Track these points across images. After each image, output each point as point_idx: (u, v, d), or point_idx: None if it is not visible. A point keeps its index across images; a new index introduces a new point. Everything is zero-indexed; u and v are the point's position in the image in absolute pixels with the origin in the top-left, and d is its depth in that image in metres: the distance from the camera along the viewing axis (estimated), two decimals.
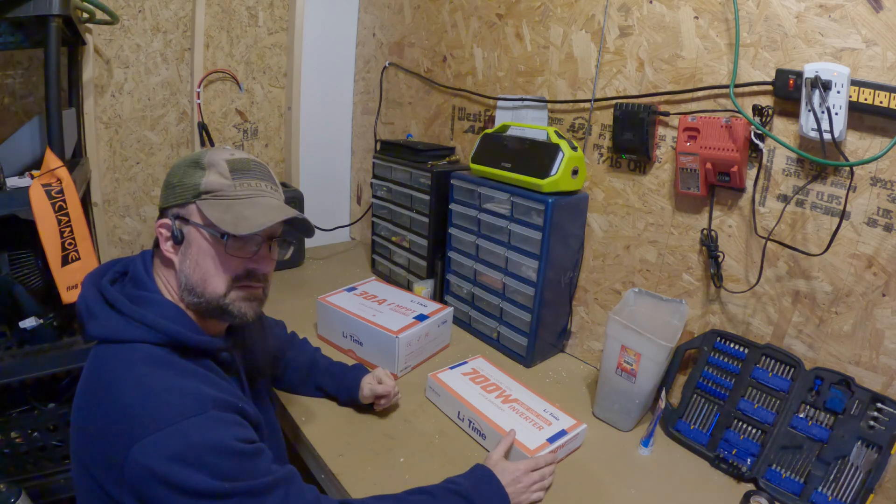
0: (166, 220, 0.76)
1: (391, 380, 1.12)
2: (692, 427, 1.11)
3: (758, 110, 1.02)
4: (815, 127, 0.92)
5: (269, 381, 1.03)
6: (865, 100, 0.89)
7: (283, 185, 2.11)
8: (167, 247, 0.76)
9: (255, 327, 0.99)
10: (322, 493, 0.75)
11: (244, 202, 0.76)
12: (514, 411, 1.09)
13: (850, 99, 0.90)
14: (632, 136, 1.21)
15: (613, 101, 1.27)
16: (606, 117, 1.31)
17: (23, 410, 1.21)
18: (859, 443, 0.93)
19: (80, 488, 0.68)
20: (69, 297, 1.13)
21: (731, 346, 1.12)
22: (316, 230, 0.89)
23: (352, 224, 2.35)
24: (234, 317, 0.78)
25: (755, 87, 1.04)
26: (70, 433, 0.70)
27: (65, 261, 1.12)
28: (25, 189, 1.07)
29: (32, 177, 1.09)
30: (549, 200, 1.24)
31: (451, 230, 1.54)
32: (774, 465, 0.99)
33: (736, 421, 1.06)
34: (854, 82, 0.89)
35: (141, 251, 0.82)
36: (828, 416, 0.97)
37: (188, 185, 0.75)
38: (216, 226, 0.73)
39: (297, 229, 0.85)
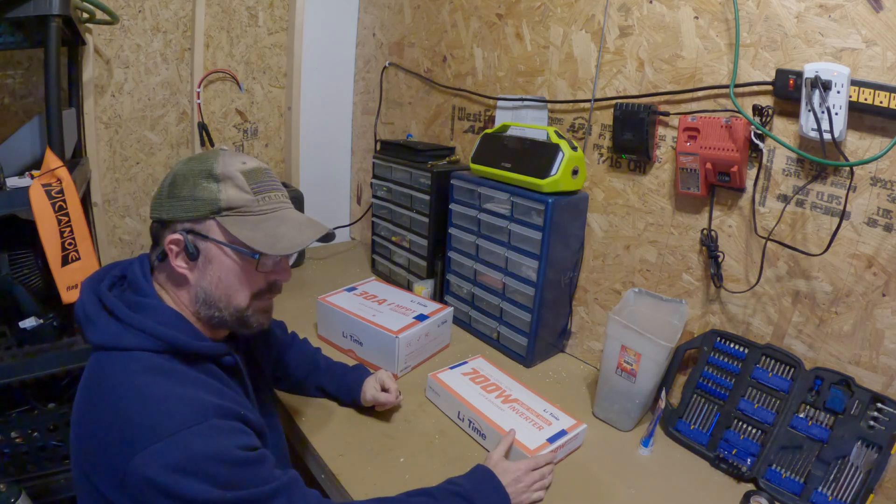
0: (177, 236, 0.72)
1: (394, 383, 1.12)
2: (692, 427, 1.11)
3: (758, 110, 1.02)
4: (815, 127, 0.92)
5: (272, 385, 1.02)
6: (865, 100, 0.89)
7: (283, 185, 2.11)
8: (178, 262, 0.74)
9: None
10: (324, 497, 0.74)
11: (271, 218, 0.75)
12: (514, 411, 1.09)
13: (850, 99, 0.90)
14: (632, 136, 1.21)
15: (613, 101, 1.27)
16: (606, 117, 1.31)
17: (23, 410, 1.21)
18: (859, 443, 0.93)
19: (80, 492, 0.67)
20: (69, 297, 1.13)
21: (731, 346, 1.12)
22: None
23: (352, 224, 2.35)
24: (252, 328, 0.79)
25: (755, 87, 1.04)
26: (70, 439, 0.69)
27: (65, 261, 1.12)
28: (25, 189, 1.07)
29: (32, 177, 1.09)
30: (549, 200, 1.24)
31: (451, 230, 1.54)
32: (774, 465, 0.99)
33: (736, 421, 1.06)
34: (854, 82, 0.89)
35: (139, 255, 0.80)
36: (828, 416, 0.97)
37: (203, 199, 0.72)
38: (247, 245, 0.72)
39: (319, 239, 0.84)
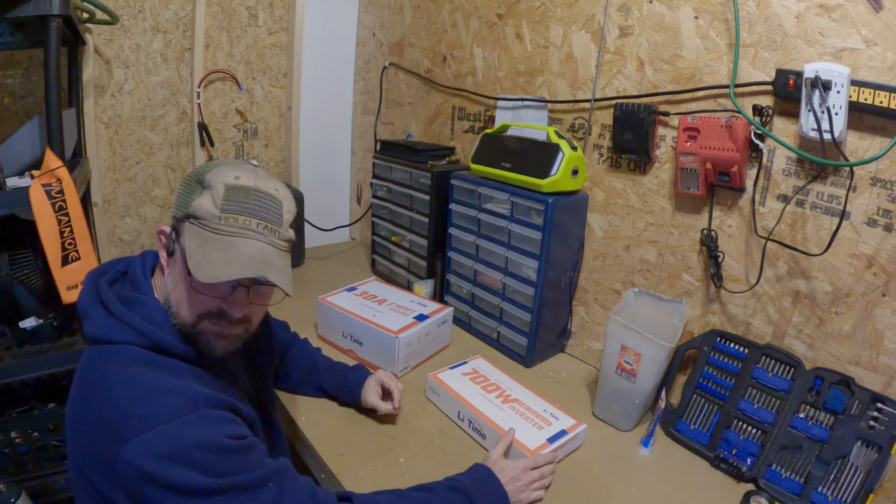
0: (166, 229, 0.75)
1: (394, 381, 1.11)
2: (692, 427, 1.11)
3: (758, 110, 1.02)
4: (815, 127, 0.92)
5: (272, 384, 1.02)
6: (865, 100, 0.89)
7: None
8: (163, 255, 0.76)
9: (261, 330, 0.95)
10: (317, 485, 0.75)
11: (220, 241, 0.68)
12: (514, 411, 1.09)
13: (850, 99, 0.90)
14: (632, 136, 1.21)
15: (613, 101, 1.27)
16: (606, 117, 1.31)
17: (23, 410, 1.21)
18: (859, 443, 0.93)
19: (76, 487, 0.68)
20: (69, 297, 1.13)
21: (731, 346, 1.12)
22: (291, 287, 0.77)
23: (352, 224, 2.35)
24: (201, 348, 0.73)
25: (755, 87, 1.04)
26: (65, 432, 0.70)
27: (65, 261, 1.12)
28: (25, 189, 1.07)
29: (32, 177, 1.09)
30: (549, 200, 1.24)
31: (451, 230, 1.54)
32: (774, 465, 0.99)
33: (736, 421, 1.06)
34: (854, 82, 0.89)
35: (143, 251, 0.81)
36: (828, 416, 0.97)
37: (184, 201, 0.72)
38: (186, 259, 0.69)
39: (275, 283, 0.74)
